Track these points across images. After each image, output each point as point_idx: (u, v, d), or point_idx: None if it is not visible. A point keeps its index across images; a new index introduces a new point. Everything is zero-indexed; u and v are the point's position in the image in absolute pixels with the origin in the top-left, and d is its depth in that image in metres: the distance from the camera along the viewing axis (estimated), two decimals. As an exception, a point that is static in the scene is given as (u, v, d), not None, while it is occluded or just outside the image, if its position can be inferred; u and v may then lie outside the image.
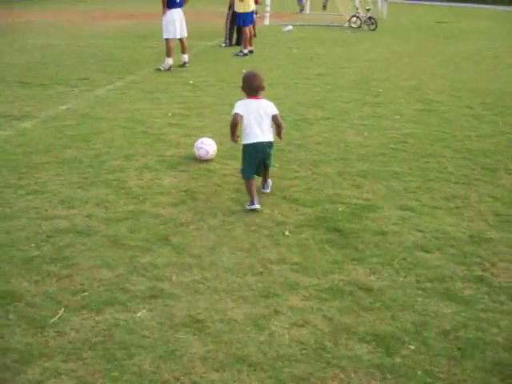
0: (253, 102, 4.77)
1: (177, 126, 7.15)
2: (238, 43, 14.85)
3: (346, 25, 21.24)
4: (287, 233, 4.29)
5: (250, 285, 3.59)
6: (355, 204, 4.84)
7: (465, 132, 7.06)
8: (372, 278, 3.71)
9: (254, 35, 14.73)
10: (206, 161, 5.80)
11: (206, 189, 5.10)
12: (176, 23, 11.20)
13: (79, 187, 5.14)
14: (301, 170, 5.61)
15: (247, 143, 4.78)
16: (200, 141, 5.84)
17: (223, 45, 15.45)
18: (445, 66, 12.42)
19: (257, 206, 4.64)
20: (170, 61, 11.35)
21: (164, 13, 11.17)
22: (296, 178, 5.41)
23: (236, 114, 4.73)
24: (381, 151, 6.24)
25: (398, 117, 7.70)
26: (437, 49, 15.51)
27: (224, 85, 9.85)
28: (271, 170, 5.26)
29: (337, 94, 9.12)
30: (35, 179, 5.33)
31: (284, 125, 7.08)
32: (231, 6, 14.60)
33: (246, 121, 4.72)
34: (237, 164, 5.60)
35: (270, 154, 4.85)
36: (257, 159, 4.79)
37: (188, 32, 11.80)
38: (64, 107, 8.16)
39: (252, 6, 13.52)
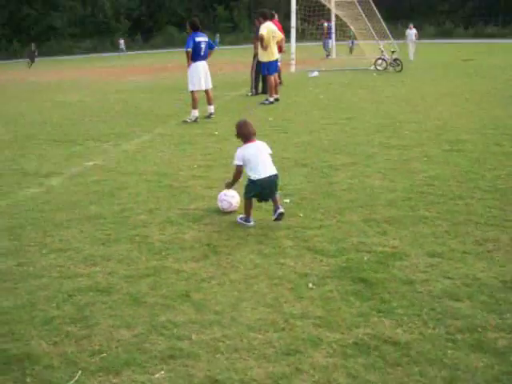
0: (251, 145, 5.43)
1: (201, 177, 7.15)
2: (264, 91, 14.99)
3: (372, 67, 21.34)
4: (311, 285, 4.18)
5: (271, 342, 3.47)
6: (381, 252, 4.70)
7: (494, 171, 6.89)
8: (399, 330, 3.56)
9: (280, 83, 14.87)
10: (230, 213, 5.75)
11: (229, 242, 5.03)
12: (201, 75, 11.39)
13: (102, 244, 5.13)
14: (325, 219, 5.51)
15: (256, 179, 5.26)
16: (223, 193, 5.81)
17: (249, 94, 15.64)
18: (472, 105, 12.28)
19: (252, 223, 5.31)
20: (195, 112, 11.49)
21: (189, 65, 11.37)
22: (320, 227, 5.31)
23: (239, 166, 5.40)
24: (408, 195, 6.10)
25: (426, 159, 7.58)
26: (464, 87, 15.40)
27: (249, 134, 9.88)
28: (295, 219, 5.24)
29: (363, 139, 9.05)
30: (59, 237, 5.35)
31: (310, 173, 7.15)
32: (256, 56, 14.80)
33: (251, 160, 5.30)
34: (260, 215, 5.56)
35: (277, 185, 5.39)
36: (263, 192, 5.33)
37: (213, 83, 11.98)
38: (91, 163, 8.26)
39: (276, 55, 13.67)
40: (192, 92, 11.49)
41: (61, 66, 36.94)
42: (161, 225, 5.53)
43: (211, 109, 11.93)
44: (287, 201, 6.03)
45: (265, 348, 3.40)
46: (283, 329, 3.61)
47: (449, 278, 4.22)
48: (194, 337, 3.55)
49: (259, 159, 5.32)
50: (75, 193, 6.76)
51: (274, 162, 5.39)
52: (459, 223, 5.29)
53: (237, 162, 5.40)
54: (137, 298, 4.09)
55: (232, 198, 5.79)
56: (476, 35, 55.34)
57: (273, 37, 13.32)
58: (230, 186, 5.67)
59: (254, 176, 5.26)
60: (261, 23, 13.45)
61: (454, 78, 18.28)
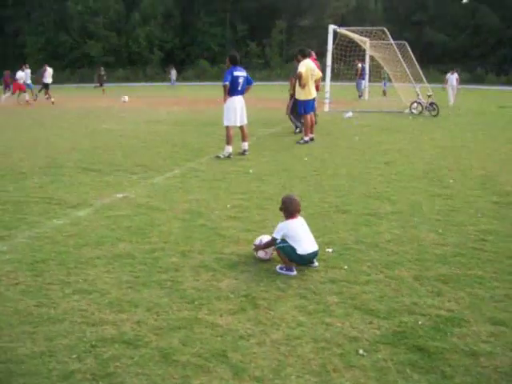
0: (294, 221, 5.24)
1: (236, 219, 6.76)
2: (300, 131, 14.67)
3: (407, 111, 20.98)
4: (361, 351, 3.72)
5: (321, 421, 3.02)
6: (437, 316, 4.24)
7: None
8: (467, 415, 3.09)
9: (315, 122, 14.51)
10: (267, 260, 5.34)
11: (268, 294, 4.60)
12: (237, 111, 11.11)
13: (130, 287, 4.74)
14: (372, 273, 5.07)
15: (302, 254, 5.09)
16: (259, 239, 5.42)
17: (297, 131, 15.03)
18: (514, 154, 11.80)
19: (295, 273, 5.04)
20: (229, 148, 11.18)
21: (225, 100, 11.10)
22: (368, 282, 4.86)
23: (276, 240, 5.19)
24: (459, 251, 5.64)
25: (473, 211, 7.11)
26: (503, 135, 14.92)
27: (285, 174, 9.51)
28: (339, 271, 4.88)
29: (405, 185, 8.61)
30: (84, 276, 4.98)
31: (351, 220, 6.72)
32: (292, 96, 14.40)
33: (295, 237, 5.14)
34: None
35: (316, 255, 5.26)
36: (301, 263, 5.17)
37: (248, 119, 11.69)
38: (121, 195, 7.94)
39: (314, 94, 13.37)
40: (227, 127, 11.20)
41: (96, 94, 37.22)
42: (194, 270, 5.13)
43: (245, 145, 11.61)
44: (330, 250, 5.61)
45: (314, 429, 2.96)
46: (334, 405, 3.16)
47: (516, 351, 3.75)
48: (232, 408, 3.12)
49: (304, 236, 5.19)
50: (103, 227, 6.41)
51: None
52: (519, 287, 4.81)
53: (276, 235, 5.20)
54: (167, 354, 3.67)
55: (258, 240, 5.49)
56: (508, 82, 54.94)
57: (311, 75, 13.04)
58: (258, 249, 5.40)
59: (300, 251, 5.08)
60: (299, 61, 13.18)
61: (493, 124, 17.81)
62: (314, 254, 5.17)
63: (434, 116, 19.62)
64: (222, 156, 11.14)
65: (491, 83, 53.12)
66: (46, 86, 30.57)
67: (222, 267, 5.19)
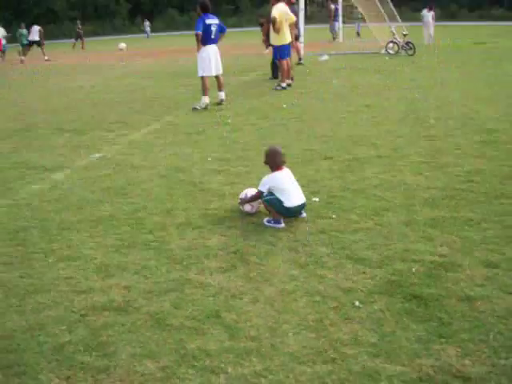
0: (280, 174, 5.05)
1: (219, 172, 6.62)
2: (276, 76, 14.38)
3: (383, 51, 20.69)
4: (357, 303, 3.66)
5: (321, 377, 2.96)
6: (430, 262, 4.18)
7: (537, 165, 6.36)
8: (467, 361, 3.04)
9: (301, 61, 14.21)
10: (254, 215, 5.23)
11: (258, 249, 4.51)
12: (212, 60, 10.79)
13: (116, 251, 4.60)
14: (361, 221, 4.99)
15: (289, 206, 4.93)
16: (244, 193, 5.28)
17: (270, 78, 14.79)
18: (493, 91, 11.68)
19: (283, 225, 4.93)
20: (206, 99, 10.92)
21: (199, 50, 10.76)
22: (357, 230, 4.78)
23: (262, 193, 5.03)
24: (447, 193, 5.58)
25: (458, 151, 7.04)
26: (482, 72, 14.79)
27: (265, 123, 9.33)
28: (328, 221, 4.83)
29: (387, 128, 8.49)
30: (67, 242, 4.83)
31: (335, 166, 6.62)
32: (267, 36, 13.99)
33: (283, 190, 4.96)
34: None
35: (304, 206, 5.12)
36: (289, 216, 5.03)
37: (222, 67, 11.37)
38: (98, 155, 7.73)
39: (289, 38, 13.03)
40: (202, 77, 10.91)
41: (63, 50, 36.19)
42: (180, 228, 5.00)
43: (222, 95, 11.35)
44: (316, 199, 5.51)
45: (315, 385, 2.90)
46: (333, 360, 3.10)
47: (511, 293, 3.71)
48: (230, 370, 3.05)
49: (291, 188, 5.02)
50: (83, 189, 6.24)
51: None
52: (509, 226, 4.77)
53: (262, 188, 5.05)
54: (159, 319, 3.57)
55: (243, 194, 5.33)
56: (481, 17, 54.42)
57: (285, 19, 12.69)
58: (244, 203, 5.25)
59: (287, 204, 4.92)
60: (273, 5, 12.80)
61: (470, 61, 17.63)
62: (302, 207, 5.05)
63: (411, 55, 19.37)
64: (198, 107, 10.88)
65: (464, 19, 52.54)
66: (33, 43, 30.07)
67: (209, 224, 5.07)
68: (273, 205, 4.96)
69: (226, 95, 11.61)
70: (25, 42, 29.51)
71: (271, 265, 4.23)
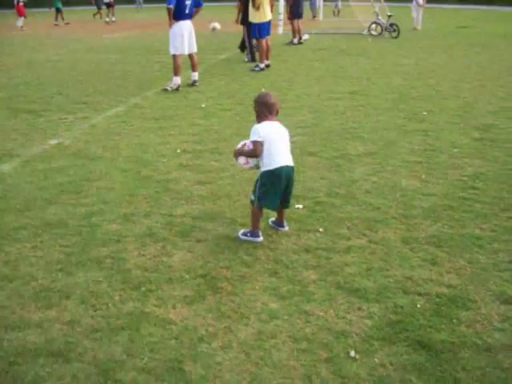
0: (272, 123, 4.16)
1: (188, 168, 5.83)
2: (253, 58, 13.54)
3: (365, 32, 19.90)
4: (353, 353, 2.95)
5: None
6: (437, 295, 3.50)
7: (544, 169, 5.72)
8: None
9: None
10: (227, 225, 4.47)
11: (231, 271, 3.76)
12: (185, 37, 9.87)
13: (61, 269, 3.82)
14: (353, 237, 4.27)
15: (272, 169, 4.05)
16: (242, 143, 4.33)
17: (246, 59, 13.96)
18: (485, 79, 11.01)
19: (261, 239, 4.17)
20: (178, 80, 10.04)
21: (171, 25, 9.84)
22: (349, 249, 4.07)
23: (259, 143, 4.05)
24: (448, 203, 4.89)
25: (456, 150, 6.35)
26: (469, 58, 14.12)
27: (241, 109, 8.52)
28: (314, 236, 4.24)
29: (375, 119, 7.76)
30: (5, 256, 4.04)
31: (320, 165, 5.89)
32: (243, 15, 13.14)
33: (267, 144, 4.06)
34: (266, 229, 4.31)
35: (293, 181, 4.25)
36: (281, 187, 4.09)
37: (197, 45, 10.47)
38: (54, 142, 6.88)
39: (269, 16, 12.16)
40: (174, 56, 9.98)
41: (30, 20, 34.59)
42: (139, 240, 4.23)
43: (195, 76, 10.48)
44: (299, 206, 4.79)
45: None
46: None
47: (538, 341, 3.05)
48: None
49: (279, 143, 4.13)
50: (31, 185, 5.42)
51: None
52: (524, 249, 4.10)
53: (256, 137, 4.07)
54: (107, 371, 2.84)
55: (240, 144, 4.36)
56: (463, 1, 53.85)
57: (266, -5, 11.82)
58: (240, 154, 4.27)
59: (271, 164, 4.04)
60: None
61: (456, 45, 16.95)
62: (290, 173, 4.15)
63: (395, 38, 18.61)
64: (169, 88, 10.00)
65: (447, 2, 51.80)
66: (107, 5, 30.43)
67: (173, 235, 4.31)
68: (261, 192, 4.10)
69: (200, 76, 10.73)
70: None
71: (247, 294, 3.51)
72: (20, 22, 26.33)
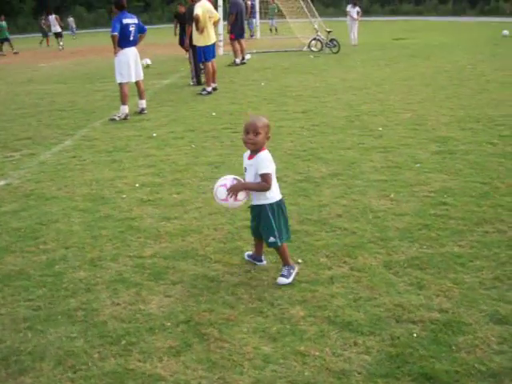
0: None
1: (149, 203, 5.58)
2: (199, 82, 13.38)
3: (305, 49, 20.06)
4: (359, 397, 2.79)
5: None
6: (431, 321, 3.38)
7: (506, 179, 5.74)
8: None
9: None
10: (201, 263, 4.25)
11: (215, 314, 3.54)
12: (131, 64, 9.64)
13: (29, 327, 3.51)
14: (334, 265, 4.13)
15: (278, 199, 3.86)
16: (223, 181, 3.85)
17: (191, 83, 13.74)
18: (432, 91, 11.20)
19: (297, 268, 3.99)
20: (125, 109, 9.76)
21: (116, 53, 9.58)
22: (332, 280, 3.92)
23: (270, 175, 3.74)
24: (422, 221, 4.82)
25: (418, 165, 6.33)
26: (412, 70, 14.37)
27: (194, 136, 8.32)
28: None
29: (333, 138, 7.70)
30: (-36, 316, 3.69)
31: (285, 190, 5.73)
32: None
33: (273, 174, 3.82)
34: (244, 261, 4.13)
35: None
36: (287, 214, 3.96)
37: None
38: (1, 183, 6.52)
39: (213, 38, 12.03)
40: (121, 84, 9.72)
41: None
42: (111, 287, 3.97)
43: (143, 103, 10.22)
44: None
45: None
46: None
47: (539, 362, 2.96)
48: None
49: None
50: (-16, 233, 5.05)
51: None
52: (504, 263, 4.06)
53: (270, 169, 3.74)
54: None
55: (232, 180, 3.85)
56: (392, 12, 55.44)
57: (209, 17, 11.67)
58: (238, 191, 3.78)
59: (277, 194, 3.86)
60: (194, 2, 11.77)
61: (397, 58, 17.24)
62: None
63: (335, 53, 18.82)
64: (117, 118, 9.71)
65: (377, 14, 53.20)
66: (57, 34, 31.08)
67: (146, 279, 4.06)
68: (276, 221, 3.83)
69: (147, 103, 10.48)
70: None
71: (236, 338, 3.30)
72: None
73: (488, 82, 12.06)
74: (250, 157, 3.82)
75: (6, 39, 28.76)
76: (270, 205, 3.81)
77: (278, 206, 3.84)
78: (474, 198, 5.29)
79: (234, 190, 3.74)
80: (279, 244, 3.88)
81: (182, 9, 16.65)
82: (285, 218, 3.91)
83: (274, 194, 3.83)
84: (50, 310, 3.70)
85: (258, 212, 3.88)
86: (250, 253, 4.23)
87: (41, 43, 33.36)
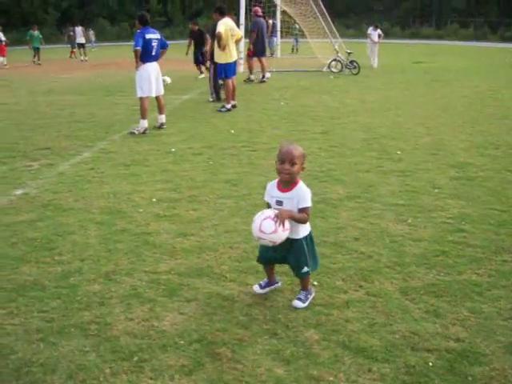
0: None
1: (166, 218, 5.58)
2: (219, 98, 13.45)
3: (325, 69, 20.12)
4: (374, 425, 2.75)
5: None
6: (447, 350, 3.33)
7: (525, 208, 5.69)
8: None
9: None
10: (216, 281, 4.24)
11: (229, 335, 3.52)
12: (152, 79, 9.72)
13: (42, 339, 3.51)
14: (349, 289, 4.09)
15: (310, 229, 3.87)
16: (263, 216, 3.62)
17: (211, 99, 13.80)
18: (451, 116, 11.17)
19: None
20: (145, 123, 9.82)
21: (137, 67, 9.67)
22: (348, 304, 3.88)
23: (309, 209, 3.72)
24: (439, 248, 4.77)
25: (436, 190, 6.29)
26: (431, 94, 14.35)
27: (212, 152, 8.33)
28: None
29: (351, 160, 7.68)
30: (-22, 325, 3.70)
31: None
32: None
33: None
34: (259, 280, 4.10)
35: None
36: None
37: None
38: (19, 192, 6.55)
39: (234, 56, 12.12)
40: (141, 99, 9.80)
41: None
42: (125, 302, 3.96)
43: (162, 118, 10.28)
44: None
45: None
46: None
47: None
48: None
49: None
50: (1, 241, 5.07)
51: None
52: (523, 293, 4.00)
53: (310, 203, 3.69)
54: None
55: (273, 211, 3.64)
56: (412, 35, 55.54)
57: (231, 35, 11.76)
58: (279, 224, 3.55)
59: (308, 226, 3.86)
60: (217, 19, 11.86)
61: (417, 81, 17.23)
62: None
63: (355, 74, 18.86)
64: (136, 132, 9.77)
65: (397, 37, 53.33)
66: (80, 45, 32.03)
67: (161, 295, 4.05)
68: (312, 249, 3.86)
69: (167, 118, 10.54)
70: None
71: (249, 359, 3.27)
72: (4, 60, 27.14)
73: (508, 109, 12.01)
74: (286, 189, 3.67)
75: (37, 49, 29.30)
76: (305, 237, 3.79)
77: (310, 236, 3.84)
78: (492, 226, 5.24)
79: (281, 218, 3.52)
80: (310, 273, 3.86)
81: (195, 27, 16.88)
82: (314, 247, 3.89)
83: (307, 226, 3.82)
84: (64, 322, 3.70)
85: (289, 244, 3.74)
86: (263, 283, 4.11)
87: (72, 55, 34.08)
